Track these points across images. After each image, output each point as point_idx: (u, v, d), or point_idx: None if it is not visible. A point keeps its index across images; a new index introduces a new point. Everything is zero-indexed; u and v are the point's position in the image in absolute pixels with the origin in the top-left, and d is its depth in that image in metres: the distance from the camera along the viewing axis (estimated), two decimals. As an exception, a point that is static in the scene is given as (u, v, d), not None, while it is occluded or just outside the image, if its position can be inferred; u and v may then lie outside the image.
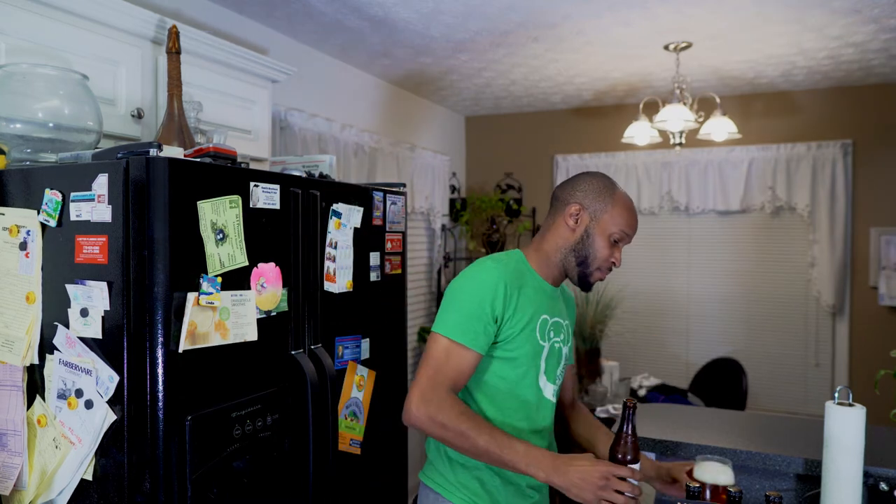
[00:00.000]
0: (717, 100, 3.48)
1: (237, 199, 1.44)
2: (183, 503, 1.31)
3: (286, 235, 1.60)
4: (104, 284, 1.30)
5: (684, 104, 3.31)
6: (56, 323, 1.36)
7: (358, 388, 1.87)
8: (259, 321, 1.49)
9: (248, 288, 1.46)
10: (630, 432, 1.35)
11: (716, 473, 1.49)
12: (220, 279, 1.38)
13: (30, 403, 1.41)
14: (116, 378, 1.30)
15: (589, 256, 1.47)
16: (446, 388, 1.35)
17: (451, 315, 1.40)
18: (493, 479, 1.47)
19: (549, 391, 1.52)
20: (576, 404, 1.76)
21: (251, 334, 1.46)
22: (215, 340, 1.37)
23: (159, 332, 1.29)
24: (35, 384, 1.40)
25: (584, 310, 4.27)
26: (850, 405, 1.45)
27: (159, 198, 1.29)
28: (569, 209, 1.49)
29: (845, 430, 1.43)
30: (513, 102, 4.59)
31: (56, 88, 1.55)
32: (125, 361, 1.30)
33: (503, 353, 1.45)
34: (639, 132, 3.54)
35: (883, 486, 1.54)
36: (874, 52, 3.34)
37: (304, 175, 1.72)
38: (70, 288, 1.34)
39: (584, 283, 1.51)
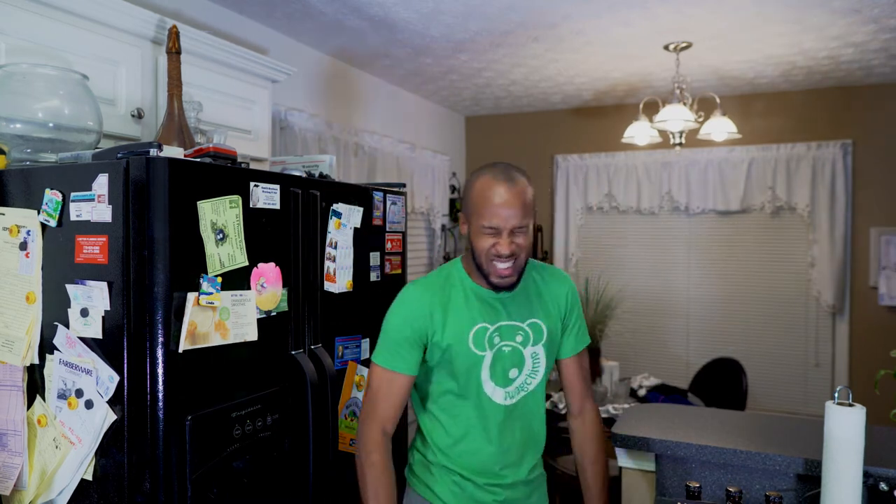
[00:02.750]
0: (717, 100, 3.48)
1: (237, 199, 1.44)
2: (183, 503, 1.31)
3: (286, 235, 1.60)
4: (104, 284, 1.30)
5: (684, 104, 3.31)
6: (56, 323, 1.36)
7: (358, 387, 1.87)
8: (259, 321, 1.49)
9: (248, 288, 1.46)
10: None
11: None
12: (220, 279, 1.38)
13: (30, 403, 1.41)
14: (116, 378, 1.30)
15: (475, 254, 1.45)
16: (379, 426, 1.43)
17: (381, 343, 1.47)
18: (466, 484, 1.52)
19: (499, 395, 1.50)
20: (583, 409, 1.66)
21: (251, 334, 1.46)
22: (215, 340, 1.37)
23: (159, 332, 1.29)
24: (35, 384, 1.40)
25: (584, 310, 4.26)
26: (850, 405, 1.45)
27: (159, 198, 1.29)
28: (460, 221, 1.52)
29: (845, 430, 1.43)
30: (513, 102, 4.59)
31: (56, 88, 1.55)
32: (125, 361, 1.30)
33: (440, 365, 1.48)
34: (639, 132, 3.54)
35: (883, 486, 1.54)
36: (874, 52, 3.34)
37: (304, 175, 1.72)
38: (70, 288, 1.34)
39: (491, 284, 1.46)
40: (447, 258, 4.66)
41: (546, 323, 1.55)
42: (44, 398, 1.39)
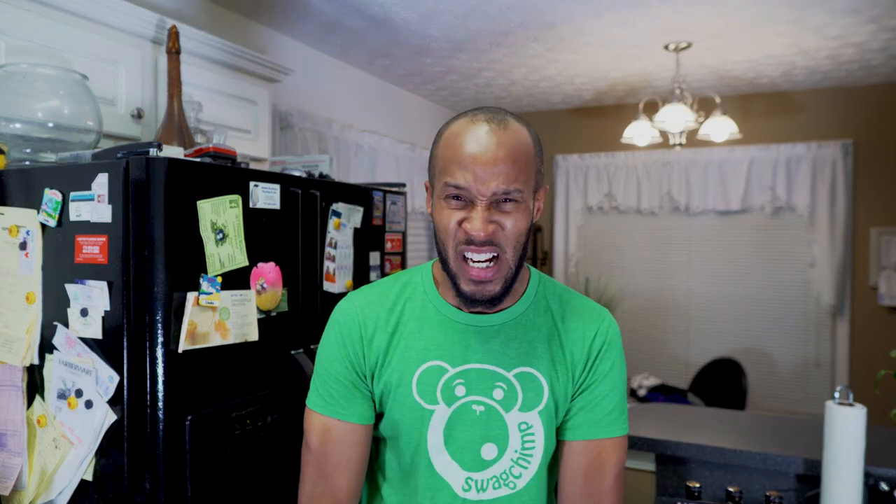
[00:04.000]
0: (717, 100, 3.48)
1: (237, 198, 1.44)
2: (183, 503, 1.31)
3: (286, 235, 1.60)
4: (104, 284, 1.30)
5: (684, 104, 3.31)
6: (56, 323, 1.36)
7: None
8: (259, 321, 1.49)
9: (248, 288, 1.46)
10: None
11: None
12: (220, 279, 1.38)
13: (29, 403, 1.41)
14: (116, 378, 1.30)
15: (437, 243, 0.95)
16: (330, 499, 0.98)
17: (313, 379, 1.03)
18: None
19: (457, 479, 0.97)
20: None
21: (251, 334, 1.46)
22: (215, 340, 1.37)
23: (159, 332, 1.29)
24: (35, 384, 1.40)
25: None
26: (851, 405, 1.45)
27: (159, 198, 1.29)
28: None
29: (845, 430, 1.43)
30: (513, 102, 4.59)
31: (56, 88, 1.55)
32: (125, 361, 1.30)
33: (380, 425, 1.02)
34: (639, 132, 3.54)
35: (883, 486, 1.54)
36: (874, 52, 3.34)
37: (304, 175, 1.72)
38: (70, 288, 1.34)
39: (460, 293, 0.94)
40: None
41: (549, 378, 0.97)
42: (43, 398, 1.38)
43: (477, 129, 0.90)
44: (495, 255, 0.91)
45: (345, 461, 0.98)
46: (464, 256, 0.91)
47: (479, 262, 0.90)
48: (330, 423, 0.98)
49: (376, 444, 1.05)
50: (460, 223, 0.90)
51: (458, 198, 0.90)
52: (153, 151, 1.32)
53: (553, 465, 1.02)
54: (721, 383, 4.01)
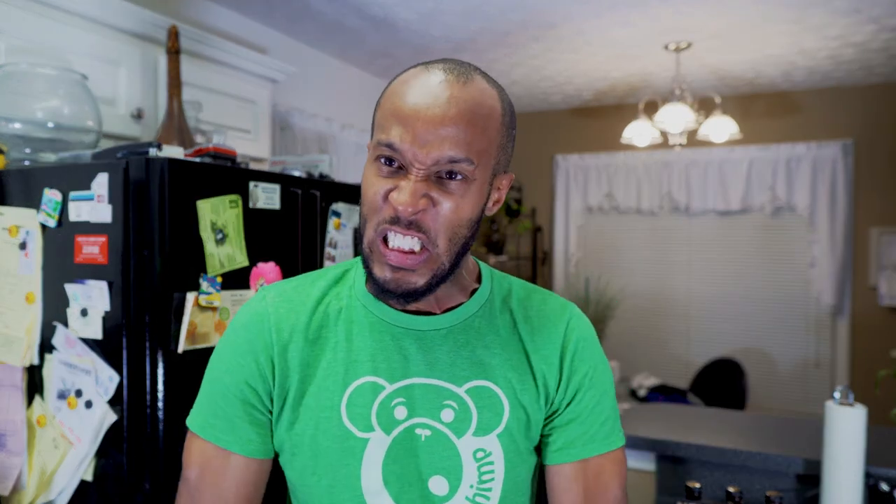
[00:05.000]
0: (717, 100, 3.48)
1: (237, 199, 1.44)
2: (183, 503, 1.31)
3: (286, 235, 1.60)
4: (104, 284, 1.30)
5: (684, 104, 3.31)
6: (56, 323, 1.36)
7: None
8: (259, 321, 1.49)
9: (248, 288, 1.46)
10: None
11: None
12: (220, 279, 1.38)
13: (29, 403, 1.41)
14: (116, 378, 1.29)
15: (360, 209, 0.74)
16: None
17: (201, 394, 0.82)
18: None
19: None
20: None
21: (251, 334, 1.46)
22: (215, 340, 1.37)
23: (159, 332, 1.29)
24: (35, 384, 1.40)
25: (584, 310, 4.26)
26: (851, 405, 1.45)
27: (159, 198, 1.29)
28: None
29: (845, 430, 1.43)
30: (513, 102, 4.59)
31: (56, 88, 1.55)
32: (125, 361, 1.30)
33: (289, 454, 0.80)
34: (639, 132, 3.54)
35: (883, 486, 1.54)
36: (874, 52, 3.34)
37: (304, 175, 1.72)
38: (70, 288, 1.34)
39: (372, 278, 0.73)
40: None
41: (510, 393, 0.78)
42: (43, 398, 1.38)
43: (429, 78, 0.70)
44: (421, 245, 0.70)
45: (223, 499, 0.77)
46: (384, 235, 0.70)
47: (394, 243, 0.70)
48: (210, 451, 0.77)
49: (284, 490, 0.86)
50: (386, 196, 0.70)
51: (390, 162, 0.70)
52: (153, 151, 1.32)
53: (519, 492, 0.81)
54: (721, 383, 4.00)
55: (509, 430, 0.78)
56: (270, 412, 0.79)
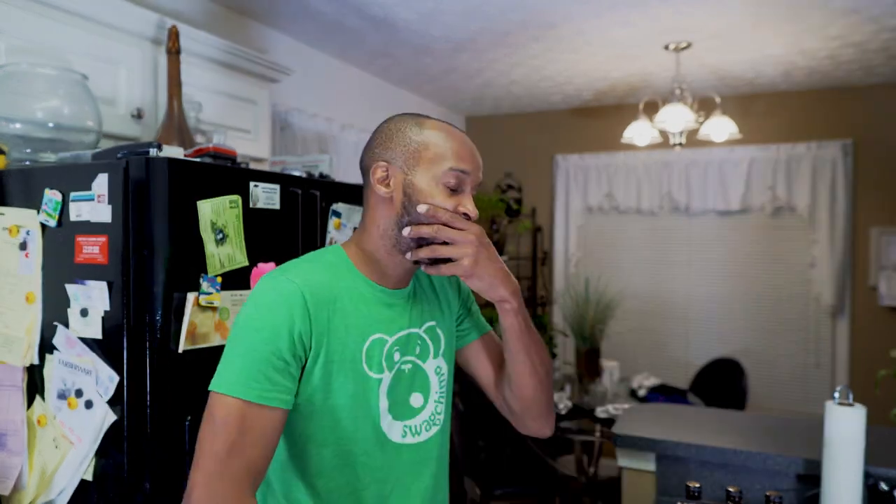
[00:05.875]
0: (718, 100, 3.48)
1: (237, 199, 1.44)
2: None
3: (286, 235, 1.60)
4: (104, 284, 1.30)
5: (684, 104, 3.31)
6: (56, 323, 1.36)
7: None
8: (259, 321, 1.49)
9: (248, 288, 1.46)
10: None
11: None
12: (220, 279, 1.38)
13: (29, 403, 1.41)
14: (116, 378, 1.30)
15: (409, 217, 1.04)
16: (241, 482, 0.92)
17: (234, 363, 0.96)
18: None
19: (396, 431, 1.08)
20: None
21: (251, 334, 1.46)
22: (215, 340, 1.37)
23: (159, 332, 1.29)
24: (35, 384, 1.40)
25: (584, 310, 4.26)
26: (850, 405, 1.45)
27: (159, 198, 1.29)
28: (373, 174, 1.10)
29: (845, 430, 1.43)
30: (513, 102, 4.59)
31: (56, 88, 1.55)
32: (125, 361, 1.30)
33: (309, 405, 1.01)
34: (639, 132, 3.54)
35: (883, 486, 1.54)
36: (874, 52, 3.34)
37: (304, 175, 1.72)
38: (70, 288, 1.34)
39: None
40: (447, 258, 4.65)
41: (441, 325, 1.17)
42: (43, 398, 1.38)
43: (460, 131, 1.09)
44: None
45: (264, 441, 0.94)
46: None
47: None
48: (252, 409, 0.93)
49: (300, 443, 1.03)
50: (454, 209, 1.04)
51: (454, 184, 1.04)
52: (153, 151, 1.32)
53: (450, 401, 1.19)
54: (721, 383, 4.00)
55: (447, 348, 1.17)
56: (301, 371, 0.99)
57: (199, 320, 1.33)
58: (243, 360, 0.96)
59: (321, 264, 1.06)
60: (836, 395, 1.48)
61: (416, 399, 1.11)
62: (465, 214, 1.03)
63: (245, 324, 0.98)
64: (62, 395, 1.35)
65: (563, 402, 3.29)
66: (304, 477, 1.03)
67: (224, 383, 0.95)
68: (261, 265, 1.50)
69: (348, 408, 1.02)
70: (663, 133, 3.74)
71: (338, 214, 1.78)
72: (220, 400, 0.94)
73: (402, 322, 1.09)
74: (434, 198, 1.03)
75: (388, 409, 1.06)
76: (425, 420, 1.12)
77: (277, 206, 1.56)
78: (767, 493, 1.31)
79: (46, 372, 1.38)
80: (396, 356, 1.08)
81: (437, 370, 1.14)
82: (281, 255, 1.57)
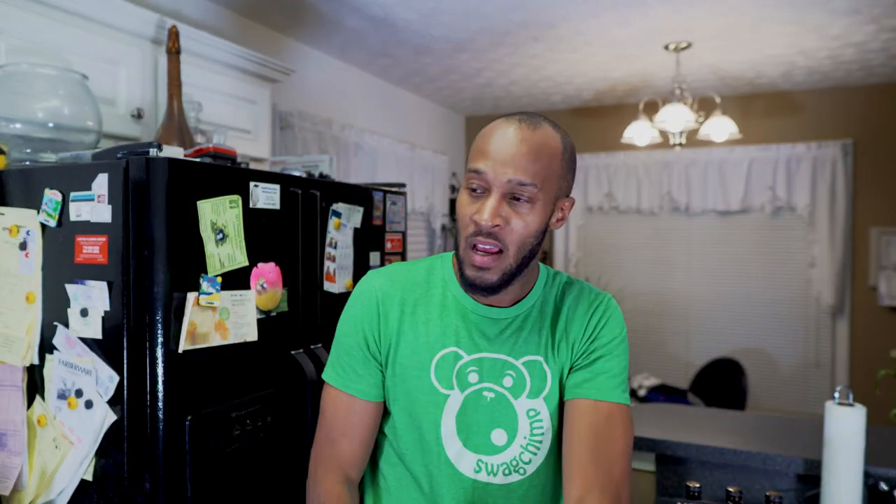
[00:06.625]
0: (718, 100, 3.48)
1: (237, 199, 1.44)
2: (183, 503, 1.31)
3: (286, 235, 1.60)
4: (104, 284, 1.30)
5: (684, 104, 3.31)
6: (56, 323, 1.36)
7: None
8: (259, 321, 1.49)
9: (248, 288, 1.46)
10: None
11: None
12: (220, 279, 1.38)
13: (29, 403, 1.41)
14: (116, 378, 1.30)
15: (457, 225, 1.00)
16: (338, 471, 1.02)
17: (332, 352, 1.07)
18: None
19: (467, 464, 1.00)
20: None
21: (251, 334, 1.46)
22: (215, 340, 1.37)
23: (159, 332, 1.29)
24: (35, 384, 1.40)
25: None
26: (850, 405, 1.45)
27: (159, 198, 1.29)
28: None
29: (845, 430, 1.43)
30: (513, 102, 4.59)
31: (56, 88, 1.55)
32: (125, 361, 1.30)
33: (392, 400, 1.04)
34: (639, 132, 3.54)
35: (883, 486, 1.54)
36: (874, 52, 3.34)
37: (304, 175, 1.72)
38: (70, 288, 1.34)
39: (463, 278, 0.97)
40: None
41: (552, 363, 1.02)
42: (43, 398, 1.38)
43: (507, 126, 0.95)
44: (498, 249, 0.94)
45: (351, 430, 1.02)
46: (468, 242, 0.95)
47: (481, 248, 0.94)
48: (340, 395, 1.03)
49: (383, 430, 1.07)
50: (472, 213, 0.94)
51: (475, 190, 0.94)
52: (153, 151, 1.32)
53: (554, 452, 1.03)
54: (721, 383, 4.01)
55: (552, 394, 1.01)
56: (382, 365, 1.02)
57: (199, 320, 1.33)
58: (335, 349, 1.06)
59: (419, 267, 1.07)
60: (836, 395, 1.48)
61: (498, 436, 1.00)
62: (479, 227, 0.93)
63: (342, 315, 1.07)
64: (62, 395, 1.35)
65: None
66: (374, 469, 1.09)
67: (326, 371, 1.07)
68: (261, 265, 1.50)
69: (411, 419, 1.01)
70: (663, 133, 3.74)
71: (338, 214, 1.78)
72: (324, 388, 1.07)
73: (491, 344, 1.00)
74: (460, 206, 0.97)
75: (458, 434, 0.99)
76: (506, 463, 1.00)
77: (277, 206, 1.56)
78: (767, 493, 1.31)
79: (46, 372, 1.38)
80: (473, 377, 1.00)
81: (529, 412, 1.00)
82: (281, 255, 1.57)
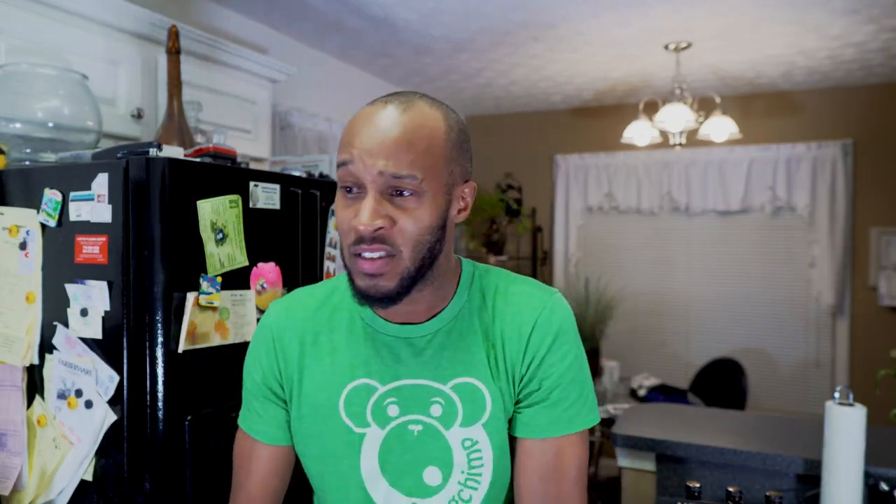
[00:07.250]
0: (718, 100, 3.48)
1: (237, 199, 1.44)
2: (183, 503, 1.31)
3: (286, 235, 1.60)
4: (104, 284, 1.30)
5: (684, 104, 3.31)
6: (56, 323, 1.36)
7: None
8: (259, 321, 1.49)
9: (248, 288, 1.46)
10: None
11: None
12: (219, 279, 1.38)
13: (29, 403, 1.41)
14: (116, 378, 1.30)
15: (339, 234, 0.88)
16: None
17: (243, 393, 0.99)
18: None
19: None
20: None
21: (251, 334, 1.46)
22: (215, 340, 1.37)
23: (159, 332, 1.29)
24: (35, 384, 1.40)
25: (584, 310, 4.27)
26: (851, 405, 1.45)
27: (159, 198, 1.29)
28: None
29: (845, 430, 1.43)
30: (513, 102, 4.59)
31: (56, 88, 1.55)
32: (125, 361, 1.30)
33: (301, 443, 0.92)
34: (639, 132, 3.54)
35: (883, 486, 1.54)
36: (874, 52, 3.34)
37: (304, 175, 1.72)
38: (70, 288, 1.34)
39: (354, 288, 0.82)
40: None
41: (490, 385, 0.86)
42: (43, 398, 1.38)
43: (375, 109, 0.81)
44: (389, 254, 0.78)
45: (252, 476, 0.93)
46: (357, 254, 0.79)
47: (366, 256, 0.79)
48: (243, 437, 0.95)
49: (304, 476, 0.97)
50: (350, 218, 0.79)
51: (350, 190, 0.80)
52: (153, 151, 1.32)
53: (504, 482, 0.90)
54: (721, 383, 4.00)
55: (493, 419, 0.86)
56: (287, 404, 0.92)
57: (199, 320, 1.33)
58: (244, 389, 0.97)
59: (322, 291, 0.94)
60: (836, 395, 1.48)
61: (431, 475, 0.86)
62: (359, 234, 0.78)
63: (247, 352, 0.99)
64: (62, 395, 1.35)
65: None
66: None
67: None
68: (261, 265, 1.50)
69: (324, 463, 0.89)
70: (663, 133, 3.74)
71: (338, 214, 1.78)
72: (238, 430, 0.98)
73: (409, 369, 0.86)
74: (336, 210, 0.83)
75: (382, 473, 0.86)
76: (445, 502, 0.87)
77: (277, 206, 1.56)
78: (767, 493, 1.31)
79: (46, 372, 1.38)
80: (393, 410, 0.86)
81: (465, 442, 0.86)
82: (281, 255, 1.57)
